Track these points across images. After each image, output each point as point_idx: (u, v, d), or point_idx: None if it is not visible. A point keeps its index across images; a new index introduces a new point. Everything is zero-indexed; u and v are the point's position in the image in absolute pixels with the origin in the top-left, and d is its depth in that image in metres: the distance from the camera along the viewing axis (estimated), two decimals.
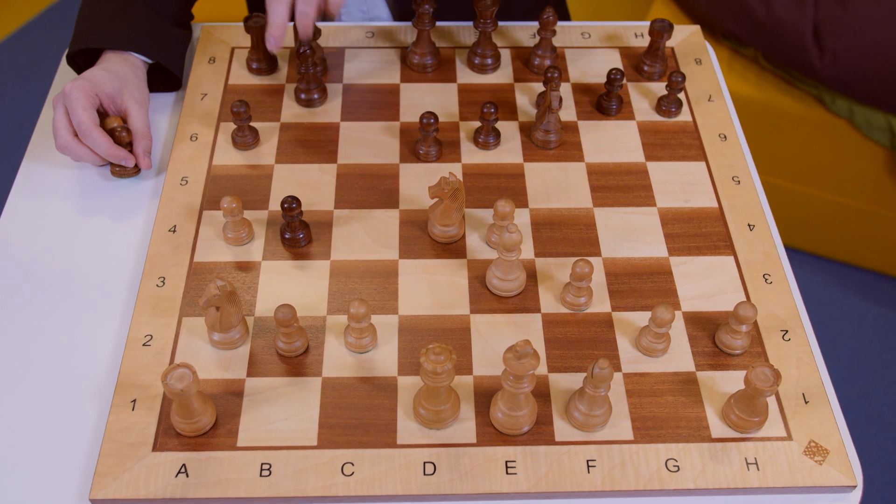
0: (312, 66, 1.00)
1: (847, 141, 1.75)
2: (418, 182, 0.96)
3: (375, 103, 1.04)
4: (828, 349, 1.88)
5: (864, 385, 1.83)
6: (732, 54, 1.80)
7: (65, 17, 2.53)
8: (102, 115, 0.97)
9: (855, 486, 0.75)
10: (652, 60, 1.07)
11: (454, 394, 0.77)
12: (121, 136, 0.95)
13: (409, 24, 1.13)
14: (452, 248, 0.90)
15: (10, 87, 2.37)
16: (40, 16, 2.57)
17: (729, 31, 1.76)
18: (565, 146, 1.00)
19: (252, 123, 1.00)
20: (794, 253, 2.02)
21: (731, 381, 0.80)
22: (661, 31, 1.04)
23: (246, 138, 0.98)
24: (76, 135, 0.93)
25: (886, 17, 1.60)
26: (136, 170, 0.96)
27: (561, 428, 0.77)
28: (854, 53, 1.62)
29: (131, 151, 0.96)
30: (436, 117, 0.94)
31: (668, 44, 1.12)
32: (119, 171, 0.96)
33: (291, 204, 0.85)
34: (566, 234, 0.91)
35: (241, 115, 0.95)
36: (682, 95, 1.05)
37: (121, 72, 0.98)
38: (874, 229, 1.88)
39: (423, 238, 0.90)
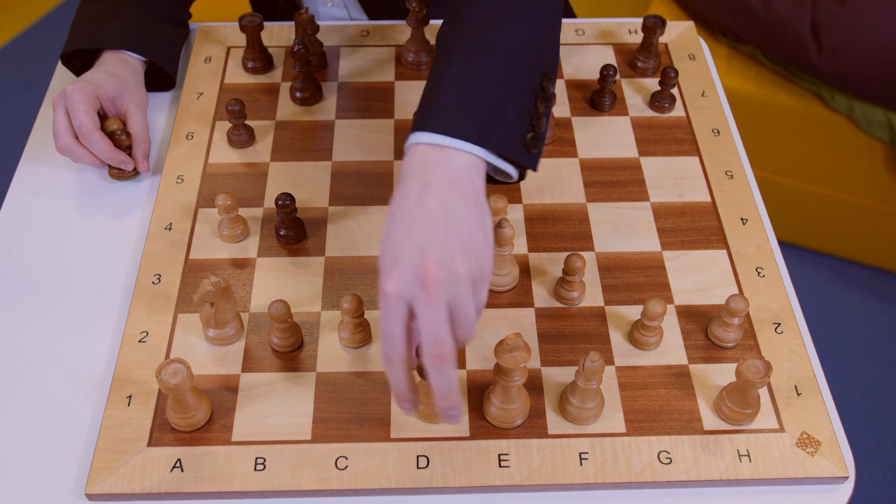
0: (307, 64, 1.01)
1: (846, 137, 1.75)
2: None
3: (370, 101, 1.04)
4: (829, 346, 1.87)
5: (866, 382, 1.83)
6: (731, 51, 1.81)
7: (67, 22, 2.54)
8: (102, 116, 0.98)
9: (847, 478, 0.75)
10: (645, 56, 1.07)
11: None
12: (120, 139, 0.96)
13: (403, 22, 1.14)
14: None
15: (12, 92, 2.38)
16: (41, 20, 2.59)
17: (728, 28, 1.76)
18: (559, 142, 1.00)
19: (247, 122, 1.01)
20: (795, 250, 2.02)
21: (723, 374, 0.81)
22: (653, 26, 1.04)
23: (241, 136, 0.99)
24: (77, 137, 0.93)
25: (884, 14, 1.60)
26: (135, 173, 0.97)
27: (554, 421, 0.77)
28: (853, 50, 1.62)
29: (130, 154, 0.97)
30: None
31: (662, 40, 1.13)
32: (117, 173, 0.97)
33: (285, 201, 0.86)
34: (559, 229, 0.92)
35: (237, 113, 0.96)
36: (675, 91, 1.06)
37: (121, 74, 0.99)
38: (875, 226, 1.88)
39: None
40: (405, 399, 0.68)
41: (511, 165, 0.72)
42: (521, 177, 0.75)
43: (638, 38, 1.13)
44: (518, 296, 0.86)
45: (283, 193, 0.86)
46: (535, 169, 0.73)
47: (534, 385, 0.80)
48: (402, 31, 1.13)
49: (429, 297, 0.63)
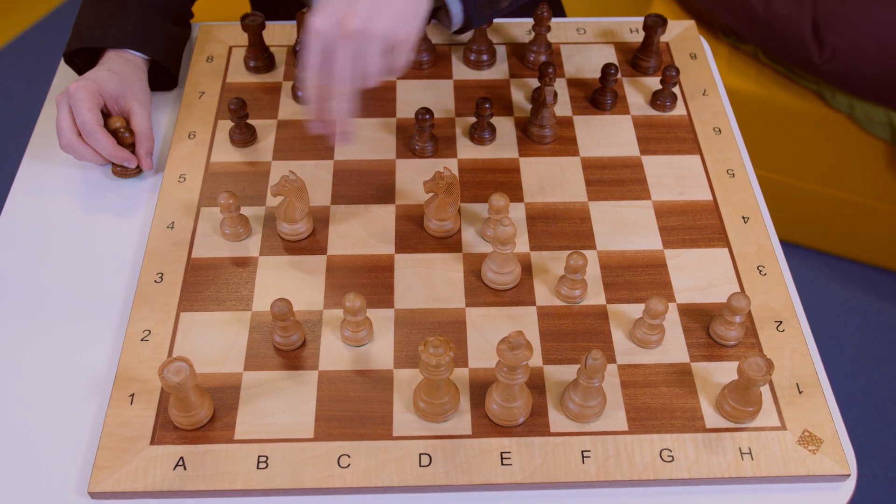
0: None
1: (847, 136, 1.75)
2: (414, 177, 0.96)
3: (371, 100, 1.04)
4: (830, 344, 1.87)
5: (867, 380, 1.83)
6: (732, 50, 1.81)
7: (69, 21, 2.54)
8: (105, 114, 0.98)
9: (849, 476, 0.75)
10: (646, 55, 1.07)
11: (453, 386, 0.78)
12: (123, 136, 0.96)
13: None
14: (448, 243, 0.90)
15: (15, 90, 2.38)
16: (44, 20, 2.59)
17: (728, 27, 1.76)
18: (560, 141, 1.00)
19: (249, 121, 1.01)
20: (797, 248, 2.02)
21: (725, 372, 0.81)
22: (654, 25, 1.04)
23: (243, 135, 0.99)
24: (80, 134, 0.94)
25: (885, 13, 1.60)
26: (138, 170, 0.97)
27: (556, 419, 0.78)
28: (853, 49, 1.62)
29: (133, 152, 0.97)
30: (431, 113, 0.95)
31: (663, 39, 1.13)
32: (121, 171, 0.97)
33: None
34: (561, 228, 0.92)
35: (238, 112, 0.96)
36: (676, 90, 1.06)
37: (124, 72, 0.99)
38: (876, 224, 1.88)
39: (418, 233, 0.91)
40: (317, 119, 0.81)
41: (459, 6, 0.85)
42: (461, 29, 0.86)
43: (639, 37, 1.13)
44: (520, 294, 0.86)
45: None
46: (473, 21, 0.86)
47: (536, 383, 0.80)
48: None
49: (343, 42, 0.75)
